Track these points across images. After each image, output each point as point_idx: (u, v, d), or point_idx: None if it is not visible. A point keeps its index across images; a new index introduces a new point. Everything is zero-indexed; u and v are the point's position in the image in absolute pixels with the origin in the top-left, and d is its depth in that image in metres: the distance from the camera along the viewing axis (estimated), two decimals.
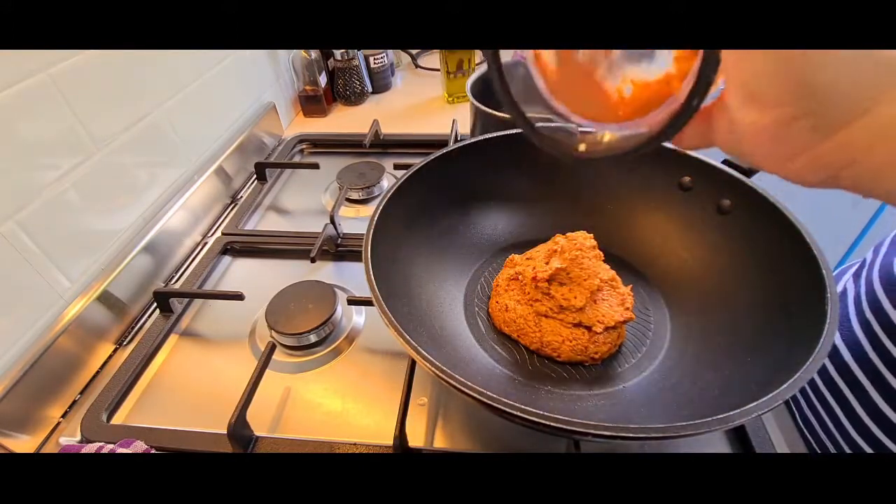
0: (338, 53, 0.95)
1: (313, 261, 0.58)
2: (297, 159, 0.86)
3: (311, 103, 0.96)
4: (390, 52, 1.03)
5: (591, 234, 0.45)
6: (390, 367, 0.50)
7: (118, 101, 0.56)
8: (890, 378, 0.39)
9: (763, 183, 0.42)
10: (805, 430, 0.47)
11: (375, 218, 0.43)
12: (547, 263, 0.45)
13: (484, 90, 0.69)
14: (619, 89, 0.23)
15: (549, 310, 0.44)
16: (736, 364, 0.38)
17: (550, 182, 0.55)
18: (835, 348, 0.43)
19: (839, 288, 0.48)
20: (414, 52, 1.15)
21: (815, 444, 0.46)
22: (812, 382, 0.46)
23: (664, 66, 0.21)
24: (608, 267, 0.47)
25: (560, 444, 0.42)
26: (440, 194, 0.51)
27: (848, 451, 0.43)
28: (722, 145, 0.23)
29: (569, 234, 0.46)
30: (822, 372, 0.45)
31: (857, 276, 0.46)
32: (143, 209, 0.61)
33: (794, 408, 0.48)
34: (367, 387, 0.49)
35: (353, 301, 0.54)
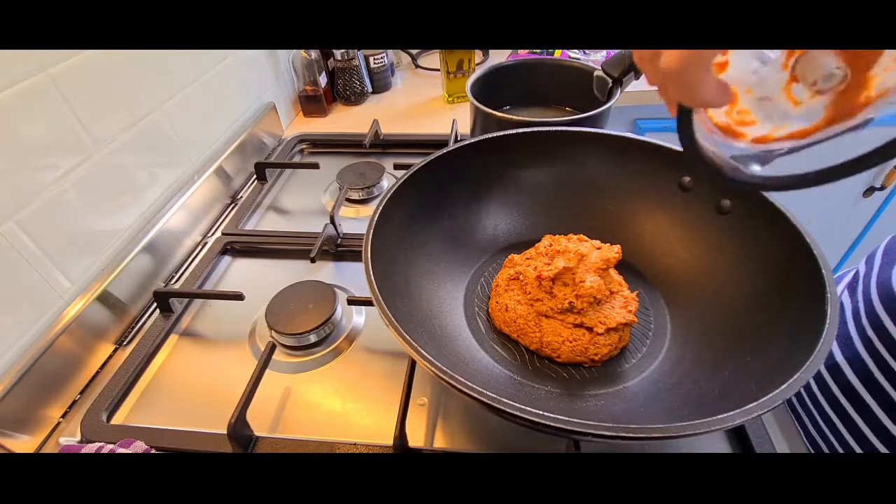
0: (338, 53, 0.95)
1: (313, 261, 0.58)
2: (297, 159, 0.86)
3: (311, 103, 0.96)
4: (390, 52, 1.03)
5: (619, 247, 0.45)
6: (390, 367, 0.50)
7: (118, 101, 0.56)
8: (894, 395, 0.39)
9: None
10: (811, 449, 0.47)
11: (375, 218, 0.43)
12: (549, 263, 0.45)
13: (484, 90, 0.69)
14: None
15: (549, 310, 0.44)
16: (736, 364, 0.38)
17: (550, 182, 0.55)
18: (838, 367, 0.43)
19: None
20: (414, 52, 1.15)
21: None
22: (816, 402, 0.46)
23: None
24: (616, 272, 0.47)
25: (560, 444, 0.42)
26: (440, 194, 0.51)
27: None
28: None
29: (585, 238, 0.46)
30: (826, 391, 0.44)
31: (852, 289, 0.45)
32: (143, 209, 0.61)
33: (798, 427, 0.48)
34: (367, 387, 0.49)
35: (353, 301, 0.54)
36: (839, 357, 0.43)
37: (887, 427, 0.40)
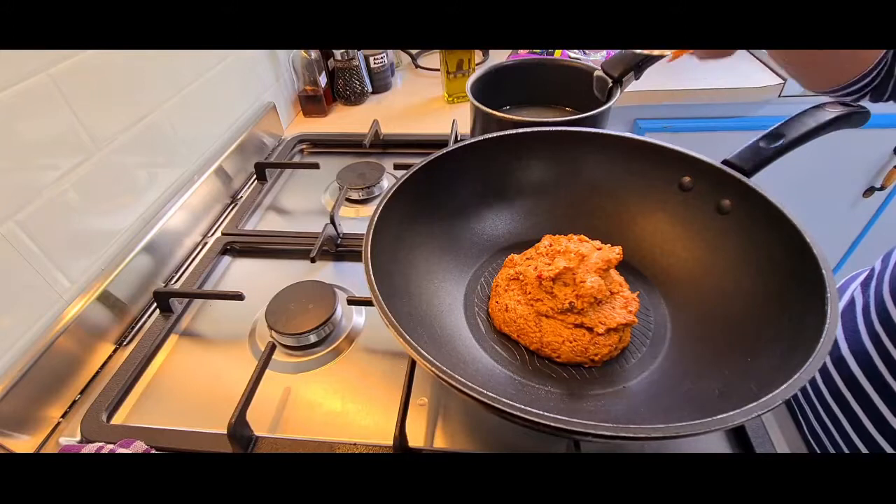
0: (338, 53, 0.95)
1: (313, 261, 0.58)
2: (297, 159, 0.86)
3: (311, 103, 0.96)
4: (390, 52, 1.03)
5: (620, 248, 0.45)
6: (390, 367, 0.50)
7: (118, 101, 0.56)
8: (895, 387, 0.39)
9: (763, 183, 0.42)
10: (812, 442, 0.47)
11: (375, 218, 0.43)
12: (550, 263, 0.45)
13: (484, 90, 0.69)
14: None
15: (549, 310, 0.44)
16: (736, 364, 0.38)
17: (551, 182, 0.55)
18: (842, 360, 0.43)
19: (846, 297, 0.48)
20: (414, 52, 1.15)
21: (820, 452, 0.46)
22: (819, 394, 0.46)
23: None
24: (617, 272, 0.47)
25: (560, 444, 0.42)
26: (440, 194, 0.51)
27: None
28: None
29: (593, 240, 0.47)
30: (829, 383, 0.45)
31: (865, 285, 0.46)
32: (142, 209, 0.61)
33: (801, 418, 0.48)
34: (367, 387, 0.49)
35: (353, 301, 0.54)
36: (845, 350, 0.44)
37: (888, 419, 0.40)
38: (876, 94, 0.46)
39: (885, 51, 0.44)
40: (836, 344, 0.45)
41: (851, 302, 0.46)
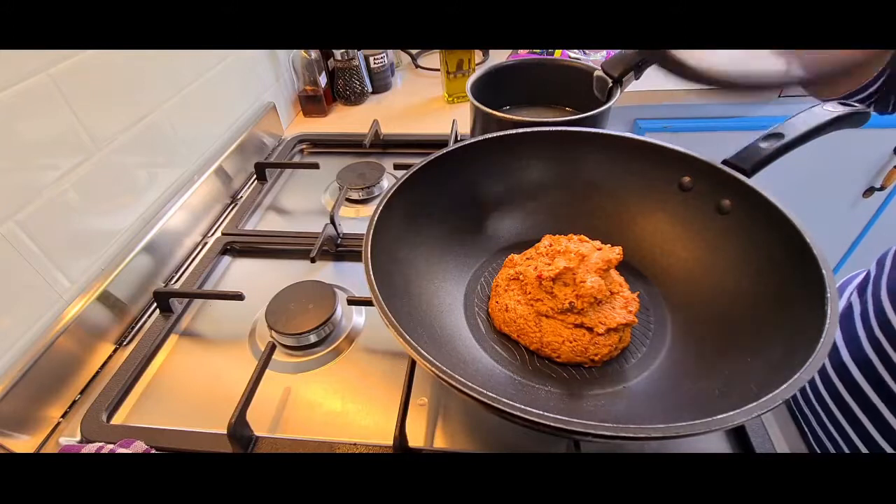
0: (338, 53, 0.95)
1: (313, 261, 0.58)
2: (297, 159, 0.86)
3: (311, 103, 0.96)
4: (390, 52, 1.03)
5: (620, 248, 0.45)
6: (390, 367, 0.50)
7: (118, 101, 0.56)
8: None
9: (763, 183, 0.42)
10: (816, 448, 0.47)
11: (375, 218, 0.43)
12: (550, 263, 0.45)
13: (484, 90, 0.69)
14: None
15: (549, 310, 0.44)
16: (736, 364, 0.38)
17: (551, 182, 0.55)
18: (844, 366, 0.43)
19: (843, 302, 0.48)
20: (414, 52, 1.15)
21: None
22: (822, 400, 0.46)
23: None
24: (617, 272, 0.47)
25: (560, 444, 0.42)
26: (440, 195, 0.51)
27: None
28: None
29: (595, 242, 0.47)
30: (832, 390, 0.44)
31: (861, 290, 0.45)
32: (142, 209, 0.61)
33: (804, 425, 0.48)
34: (367, 387, 0.49)
35: (353, 301, 0.54)
36: (846, 357, 0.43)
37: (893, 426, 0.40)
38: (879, 106, 0.47)
39: (884, 65, 0.44)
40: (837, 350, 0.45)
41: (849, 307, 0.46)
